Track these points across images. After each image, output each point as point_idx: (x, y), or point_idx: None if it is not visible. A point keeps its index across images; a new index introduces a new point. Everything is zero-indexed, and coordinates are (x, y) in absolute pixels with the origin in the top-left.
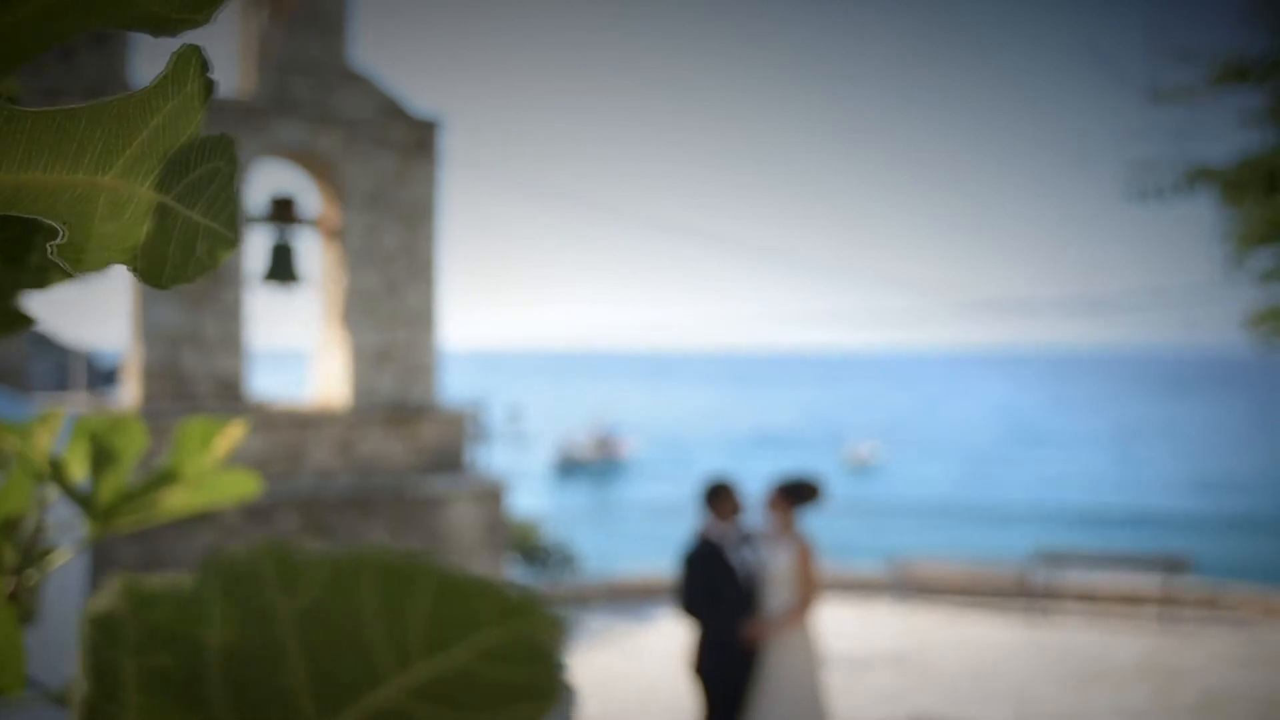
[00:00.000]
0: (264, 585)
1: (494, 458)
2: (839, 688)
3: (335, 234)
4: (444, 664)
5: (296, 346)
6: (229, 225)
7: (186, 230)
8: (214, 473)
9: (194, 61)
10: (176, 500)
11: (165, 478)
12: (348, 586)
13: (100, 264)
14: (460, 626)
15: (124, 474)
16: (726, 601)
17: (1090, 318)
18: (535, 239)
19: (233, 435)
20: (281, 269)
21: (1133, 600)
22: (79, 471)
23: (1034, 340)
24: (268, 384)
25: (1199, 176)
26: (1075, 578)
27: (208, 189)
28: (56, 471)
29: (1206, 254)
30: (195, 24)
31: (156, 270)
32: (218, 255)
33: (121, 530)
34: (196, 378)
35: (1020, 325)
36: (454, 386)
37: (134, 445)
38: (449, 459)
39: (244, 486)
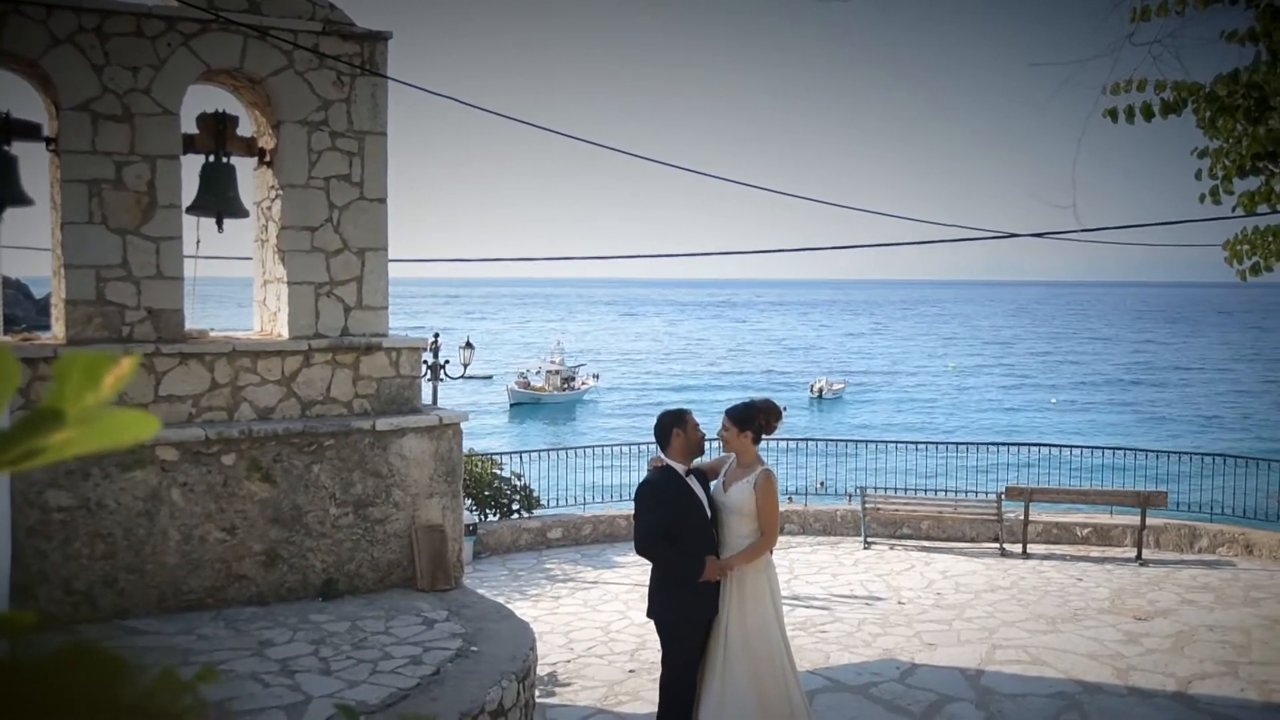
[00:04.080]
0: None
1: (447, 394)
2: (805, 628)
3: (270, 159)
4: None
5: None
6: None
7: None
8: (101, 413)
9: None
10: (60, 443)
11: (44, 418)
12: None
13: None
14: None
15: None
16: (686, 535)
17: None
18: (497, 164)
19: (122, 372)
20: (215, 196)
21: (1106, 537)
22: None
23: (1011, 273)
24: (233, 319)
25: (1182, 97)
26: (1047, 515)
27: None
28: None
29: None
30: None
31: None
32: None
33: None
34: (127, 310)
35: (996, 257)
36: (406, 318)
37: (5, 381)
38: (399, 395)
39: (138, 427)
